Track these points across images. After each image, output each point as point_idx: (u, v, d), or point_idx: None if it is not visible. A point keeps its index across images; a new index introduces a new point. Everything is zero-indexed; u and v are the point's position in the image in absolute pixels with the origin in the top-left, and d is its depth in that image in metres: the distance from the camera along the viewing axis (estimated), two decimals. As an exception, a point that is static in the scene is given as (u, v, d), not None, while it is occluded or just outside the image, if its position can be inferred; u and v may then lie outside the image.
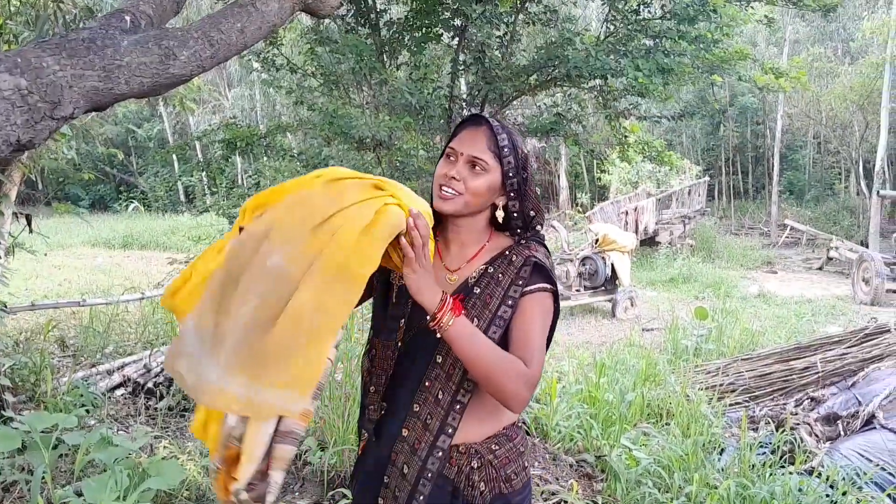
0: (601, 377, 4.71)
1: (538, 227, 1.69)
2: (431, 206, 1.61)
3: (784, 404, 4.88)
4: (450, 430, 1.55)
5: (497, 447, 1.62)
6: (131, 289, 8.24)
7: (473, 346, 1.46)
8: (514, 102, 4.97)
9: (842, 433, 4.34)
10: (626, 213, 15.27)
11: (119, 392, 5.05)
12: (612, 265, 10.14)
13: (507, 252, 1.64)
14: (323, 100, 3.93)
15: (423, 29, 4.28)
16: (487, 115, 1.64)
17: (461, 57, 4.42)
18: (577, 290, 10.24)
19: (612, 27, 4.40)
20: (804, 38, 25.64)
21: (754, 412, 4.80)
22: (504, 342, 1.54)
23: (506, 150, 1.58)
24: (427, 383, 1.56)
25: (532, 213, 1.66)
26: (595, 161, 18.85)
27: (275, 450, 1.25)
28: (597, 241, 10.48)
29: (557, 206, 24.46)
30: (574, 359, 5.69)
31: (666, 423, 4.49)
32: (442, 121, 4.39)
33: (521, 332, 1.55)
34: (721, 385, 5.16)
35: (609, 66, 3.86)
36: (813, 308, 10.71)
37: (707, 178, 20.01)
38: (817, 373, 5.09)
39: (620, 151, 5.32)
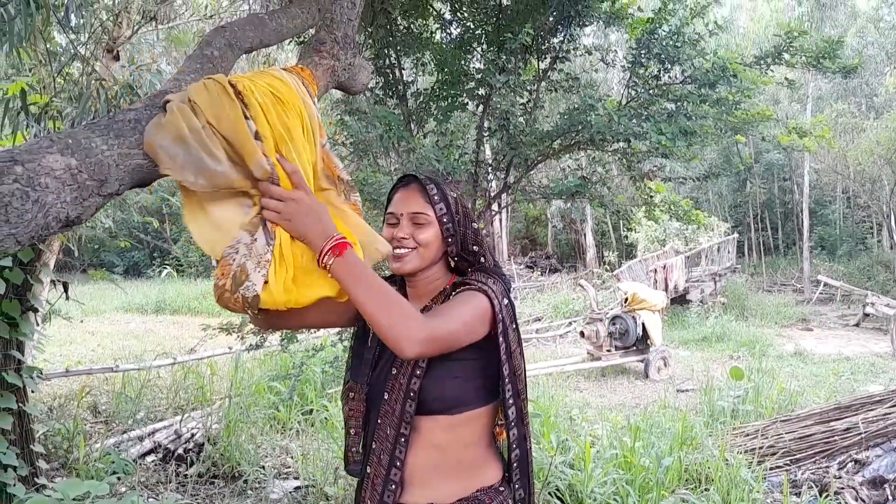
0: (636, 441, 4.61)
1: (482, 259, 1.72)
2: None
3: (827, 467, 4.72)
4: (398, 463, 1.58)
5: None
6: (163, 354, 8.32)
7: (360, 285, 1.43)
8: (539, 166, 5.04)
9: (889, 497, 4.18)
10: (655, 270, 15.14)
11: (150, 458, 5.06)
12: (643, 324, 10.01)
13: (449, 287, 1.70)
14: (352, 167, 4.05)
15: (449, 98, 4.41)
16: (416, 174, 1.73)
17: (486, 124, 4.52)
18: (608, 351, 10.10)
19: (633, 92, 4.49)
20: (827, 95, 25.73)
21: (796, 476, 4.64)
22: (441, 368, 1.57)
23: (436, 197, 1.66)
24: (379, 420, 1.60)
25: (475, 247, 1.71)
26: (621, 219, 18.85)
27: None
28: (626, 299, 10.38)
29: (584, 264, 24.37)
30: (607, 422, 5.59)
31: (705, 489, 4.36)
32: (469, 185, 4.46)
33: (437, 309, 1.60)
34: (760, 448, 5.02)
35: (632, 129, 3.92)
36: (852, 366, 10.42)
37: (736, 235, 19.83)
38: (860, 434, 4.92)
39: (646, 211, 5.34)
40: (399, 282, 1.80)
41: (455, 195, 1.74)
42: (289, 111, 1.51)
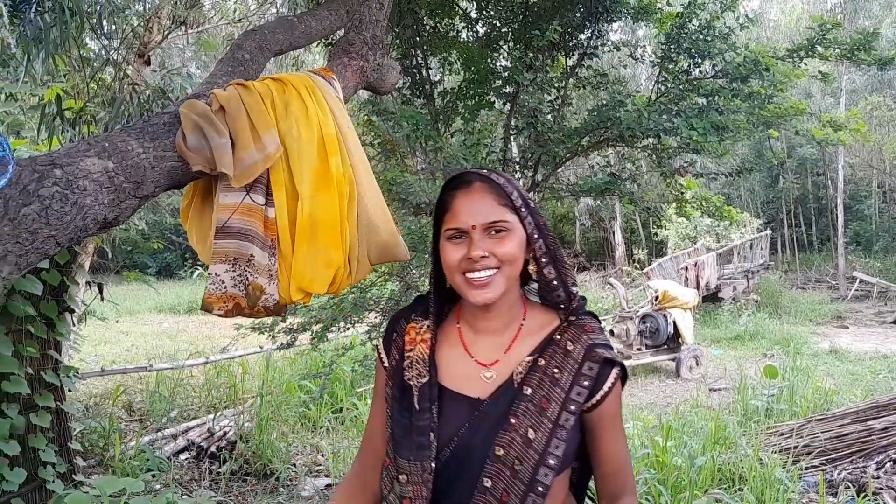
0: (668, 440, 4.57)
1: (576, 290, 1.36)
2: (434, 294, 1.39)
3: (864, 467, 4.62)
4: None
5: None
6: (196, 353, 8.44)
7: None
8: (567, 163, 5.01)
9: (931, 499, 4.08)
10: (686, 268, 14.94)
11: (183, 456, 5.14)
12: (674, 322, 9.89)
13: (556, 336, 1.31)
14: (380, 167, 4.07)
15: (476, 97, 4.41)
16: (477, 170, 1.35)
17: (513, 122, 4.51)
18: (639, 349, 10.00)
19: (663, 87, 4.44)
20: (861, 87, 25.18)
21: (832, 476, 4.55)
22: (568, 456, 1.25)
23: (520, 204, 1.30)
24: (488, 483, 1.21)
25: (566, 274, 1.35)
26: (651, 217, 18.66)
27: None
28: (657, 297, 10.26)
29: (613, 262, 24.17)
30: (639, 421, 5.54)
31: (739, 489, 4.30)
32: (496, 184, 4.44)
33: (613, 455, 1.31)
34: (795, 447, 4.93)
35: (662, 125, 3.88)
36: (889, 364, 10.18)
37: (769, 231, 19.49)
38: (899, 434, 4.81)
39: (678, 208, 5.28)
40: (437, 307, 1.39)
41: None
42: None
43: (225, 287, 1.50)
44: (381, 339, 1.44)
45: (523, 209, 1.30)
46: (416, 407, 1.28)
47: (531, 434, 1.21)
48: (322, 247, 1.55)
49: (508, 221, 1.27)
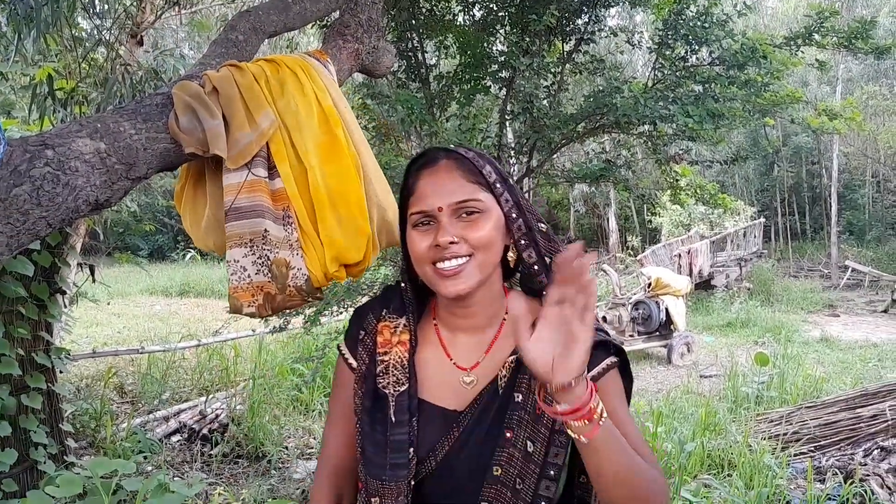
0: (659, 426, 4.60)
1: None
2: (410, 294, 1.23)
3: (852, 454, 4.67)
4: None
5: None
6: (188, 336, 8.43)
7: (623, 452, 0.98)
8: (562, 149, 5.00)
9: (917, 486, 4.12)
10: (680, 255, 14.99)
11: (175, 438, 5.15)
12: (667, 309, 9.94)
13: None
14: (375, 151, 4.07)
15: (472, 82, 4.39)
16: (443, 146, 1.21)
17: (509, 107, 4.50)
18: (631, 336, 10.06)
19: (659, 74, 4.43)
20: (857, 77, 25.20)
21: (820, 462, 4.60)
22: (568, 465, 1.11)
23: (494, 179, 1.14)
24: None
25: (549, 257, 1.15)
26: (645, 204, 18.68)
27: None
28: (649, 284, 10.31)
29: (607, 249, 24.23)
30: (630, 407, 5.58)
31: (728, 475, 4.34)
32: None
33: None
34: (785, 434, 4.98)
35: (658, 112, 3.87)
36: (879, 353, 10.27)
37: (762, 220, 19.56)
38: (886, 421, 4.86)
39: (672, 195, 5.29)
40: (413, 306, 1.23)
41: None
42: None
43: (248, 276, 1.43)
44: (343, 337, 1.28)
45: (498, 185, 1.13)
46: (393, 419, 1.12)
47: (529, 446, 1.06)
48: (346, 214, 1.49)
49: (481, 201, 1.11)
